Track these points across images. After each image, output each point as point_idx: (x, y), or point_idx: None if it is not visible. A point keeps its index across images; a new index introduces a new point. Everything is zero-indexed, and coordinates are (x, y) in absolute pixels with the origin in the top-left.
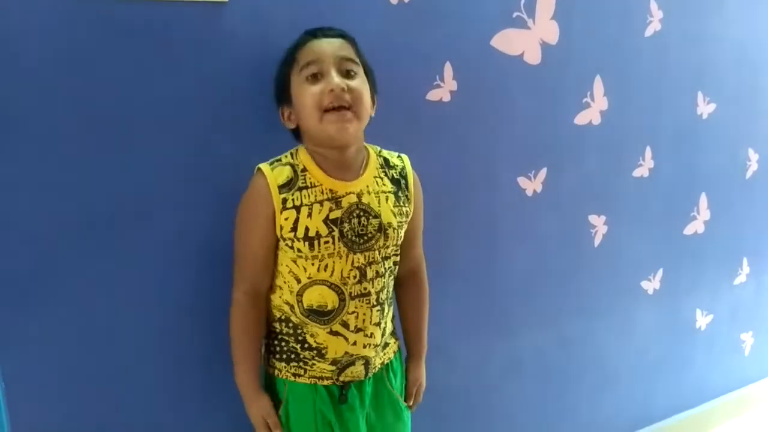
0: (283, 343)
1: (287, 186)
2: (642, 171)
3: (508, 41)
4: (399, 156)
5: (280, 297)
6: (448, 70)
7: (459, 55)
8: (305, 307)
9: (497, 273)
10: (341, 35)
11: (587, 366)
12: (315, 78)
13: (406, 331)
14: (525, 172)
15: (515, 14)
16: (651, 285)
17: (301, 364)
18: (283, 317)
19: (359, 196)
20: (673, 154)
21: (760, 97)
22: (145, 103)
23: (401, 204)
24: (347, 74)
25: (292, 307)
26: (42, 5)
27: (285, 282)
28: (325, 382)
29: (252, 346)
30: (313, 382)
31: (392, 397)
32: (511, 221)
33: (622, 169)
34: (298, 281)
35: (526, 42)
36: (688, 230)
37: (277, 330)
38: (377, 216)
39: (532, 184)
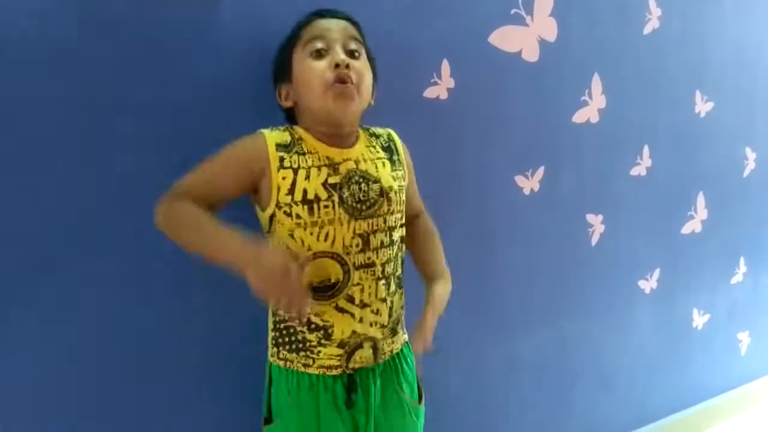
0: (290, 330)
1: (285, 147)
2: (640, 170)
3: (505, 38)
4: (382, 128)
5: None
6: (445, 67)
7: (456, 53)
8: (305, 285)
9: (494, 272)
10: (348, 17)
11: (585, 365)
12: (319, 54)
13: (423, 263)
14: (522, 171)
15: (513, 11)
16: (648, 284)
17: (308, 353)
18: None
19: (356, 162)
20: (670, 153)
21: (758, 96)
22: (137, 101)
23: (396, 168)
24: (351, 54)
25: None
26: (30, 2)
27: None
28: (334, 372)
29: (214, 221)
30: (321, 372)
31: (401, 399)
32: (509, 220)
33: (620, 168)
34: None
35: (524, 39)
36: (686, 229)
37: (281, 316)
38: (377, 181)
39: (529, 183)
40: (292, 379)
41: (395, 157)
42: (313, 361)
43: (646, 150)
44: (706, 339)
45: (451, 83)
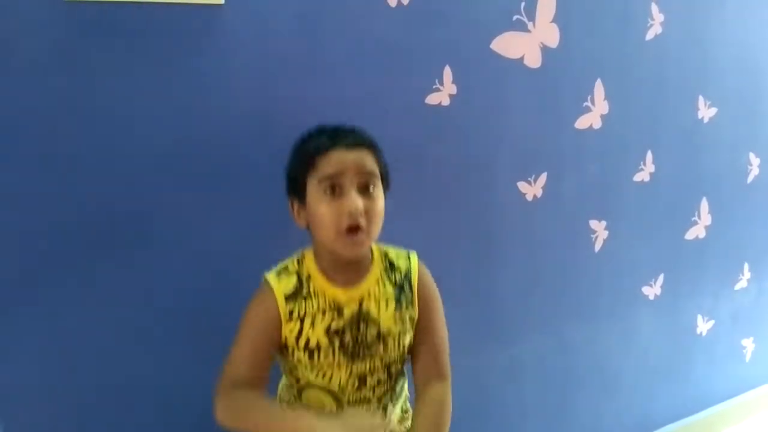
0: None
1: (293, 296)
2: (643, 175)
3: (508, 44)
4: (407, 256)
5: (286, 386)
6: (447, 73)
7: (458, 59)
8: (303, 403)
9: (497, 278)
10: (363, 142)
11: (588, 372)
12: (333, 191)
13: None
14: (525, 177)
15: (515, 17)
16: (652, 290)
17: None
18: (289, 401)
19: (360, 303)
20: (674, 159)
21: (762, 101)
22: (139, 107)
23: (403, 309)
24: (366, 189)
25: (294, 398)
26: (35, 7)
27: (286, 377)
28: None
29: (265, 401)
30: None
31: None
32: (511, 226)
33: (623, 174)
34: (297, 381)
35: (526, 45)
36: (690, 235)
37: (288, 398)
38: (376, 323)
39: (532, 189)
40: None
41: (405, 297)
42: None
43: (649, 156)
44: (710, 345)
45: (454, 89)
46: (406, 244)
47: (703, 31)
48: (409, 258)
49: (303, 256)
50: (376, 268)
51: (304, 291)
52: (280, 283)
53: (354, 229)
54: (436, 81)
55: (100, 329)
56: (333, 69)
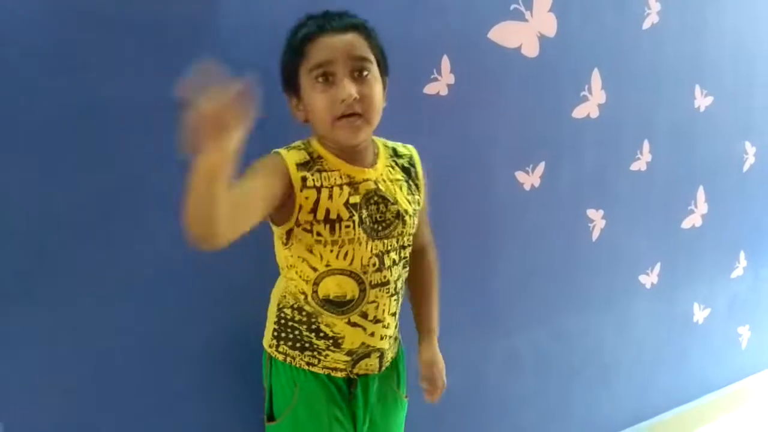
0: (296, 332)
1: (305, 166)
2: (640, 165)
3: (505, 34)
4: (405, 146)
5: (295, 286)
6: (445, 63)
7: (456, 48)
8: (321, 297)
9: (494, 267)
10: (352, 25)
11: (585, 360)
12: (326, 79)
13: (416, 307)
14: (523, 167)
15: (513, 7)
16: (649, 279)
17: (315, 354)
18: (296, 305)
19: (376, 183)
20: (670, 148)
21: (758, 90)
22: (136, 96)
23: (412, 192)
24: (360, 74)
25: (306, 296)
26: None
27: (297, 272)
28: (339, 374)
29: None
30: (326, 372)
31: (396, 395)
32: (509, 216)
33: (620, 163)
34: (315, 270)
35: (523, 35)
36: (686, 224)
37: (289, 316)
38: (395, 203)
39: (529, 179)
40: (296, 372)
41: (412, 181)
42: (319, 362)
43: (646, 145)
44: (706, 333)
45: (452, 79)
46: None
47: (699, 21)
48: (407, 147)
49: (309, 141)
50: (383, 155)
51: (317, 165)
52: (289, 153)
53: (349, 115)
54: (434, 71)
55: (100, 327)
56: None
